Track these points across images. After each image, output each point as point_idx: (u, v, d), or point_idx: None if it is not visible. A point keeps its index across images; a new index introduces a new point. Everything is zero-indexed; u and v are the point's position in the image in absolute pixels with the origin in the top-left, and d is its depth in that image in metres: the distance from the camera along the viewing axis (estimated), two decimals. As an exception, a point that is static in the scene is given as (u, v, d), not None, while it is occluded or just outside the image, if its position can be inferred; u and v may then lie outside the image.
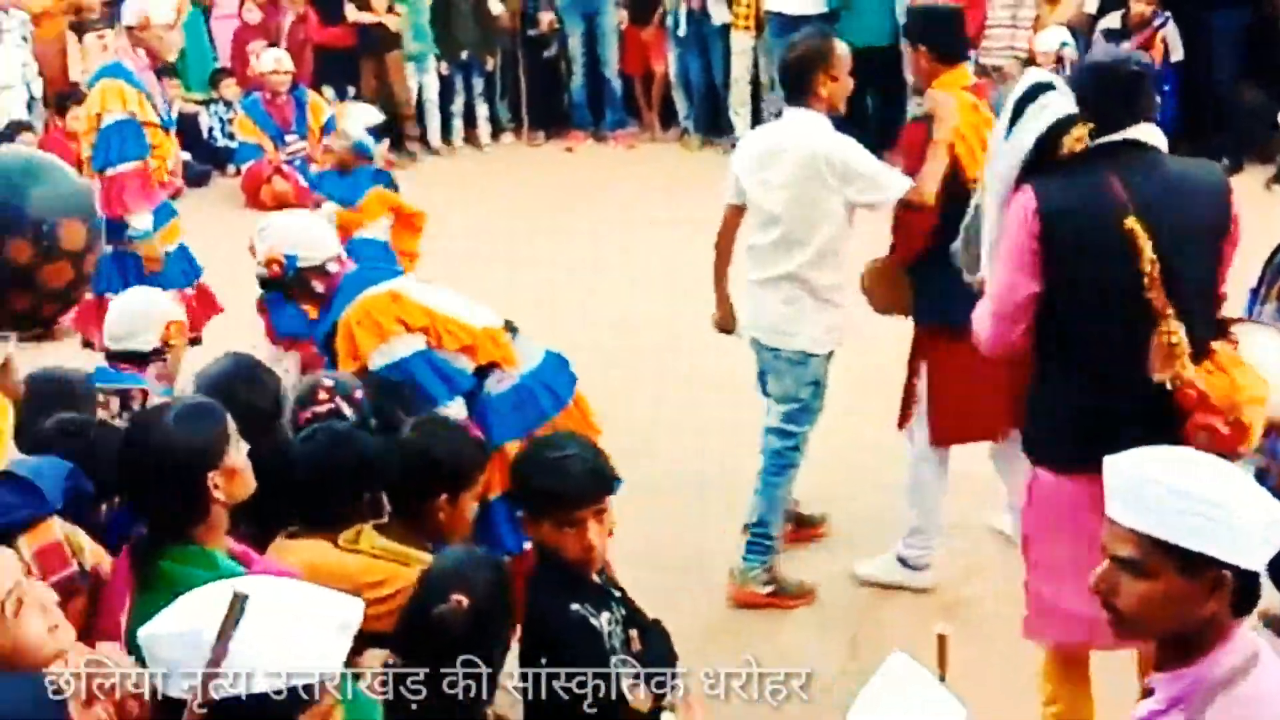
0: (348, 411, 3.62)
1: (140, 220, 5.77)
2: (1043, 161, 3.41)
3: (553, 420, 4.10)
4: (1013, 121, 3.46)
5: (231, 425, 2.77)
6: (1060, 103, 3.41)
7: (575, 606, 2.97)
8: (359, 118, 7.00)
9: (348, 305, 4.10)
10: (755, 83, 10.39)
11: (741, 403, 5.35)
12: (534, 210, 9.52)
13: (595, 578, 3.13)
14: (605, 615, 3.03)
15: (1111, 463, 2.27)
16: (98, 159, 5.77)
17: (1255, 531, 2.17)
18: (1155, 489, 2.19)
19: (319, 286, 4.22)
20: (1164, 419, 3.33)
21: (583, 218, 9.27)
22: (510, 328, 4.27)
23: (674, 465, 5.69)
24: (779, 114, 5.00)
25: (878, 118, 9.68)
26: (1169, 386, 3.35)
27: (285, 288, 4.34)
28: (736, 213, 4.79)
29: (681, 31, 10.41)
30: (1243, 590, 2.20)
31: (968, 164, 4.47)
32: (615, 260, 8.34)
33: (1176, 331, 3.37)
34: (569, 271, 8.20)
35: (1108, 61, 3.63)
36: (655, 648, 3.10)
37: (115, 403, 3.85)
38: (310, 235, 4.31)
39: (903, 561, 4.89)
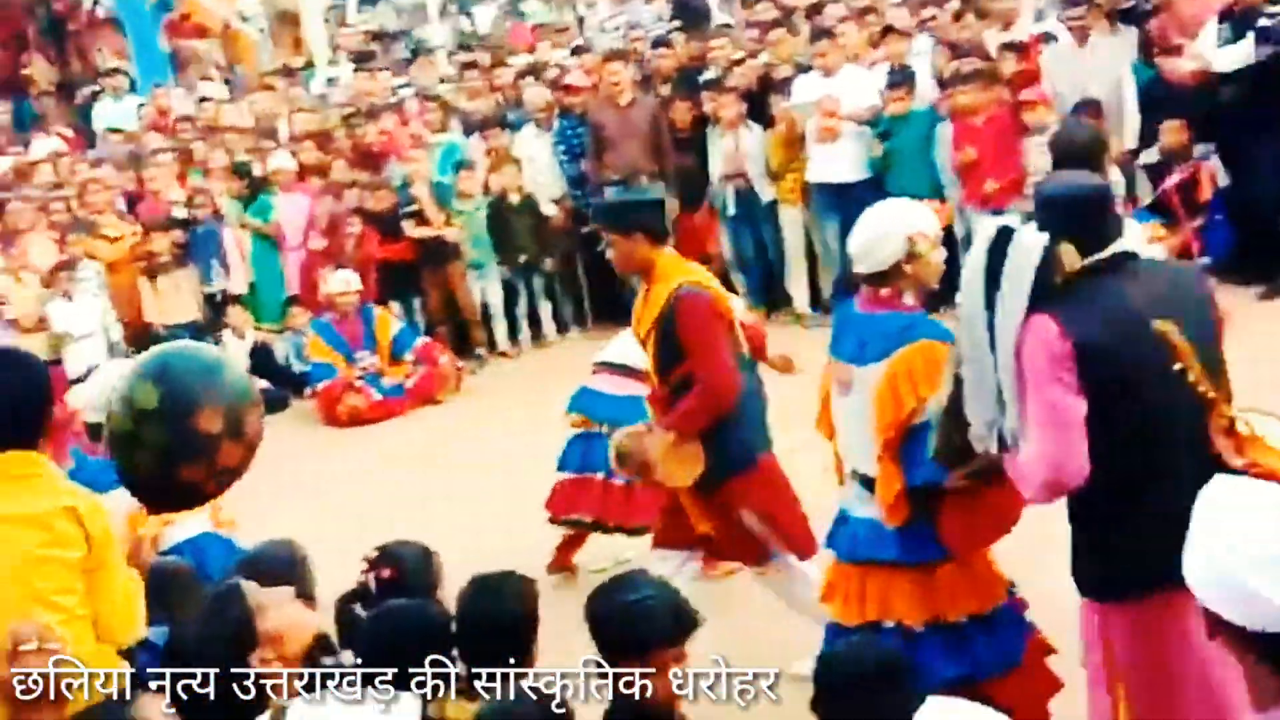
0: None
1: None
2: (1040, 294, 3.45)
3: None
4: (991, 272, 3.48)
5: None
6: (1032, 235, 3.47)
7: None
8: None
9: None
10: (810, 254, 10.55)
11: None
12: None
13: None
14: None
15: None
16: None
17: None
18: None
19: None
20: None
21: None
22: None
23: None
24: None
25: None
26: (1239, 467, 3.35)
27: None
28: None
29: (731, 212, 10.63)
30: None
31: None
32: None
33: (1233, 416, 3.40)
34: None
35: (1078, 188, 3.63)
36: None
37: None
38: None
39: None
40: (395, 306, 10.85)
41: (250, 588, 3.04)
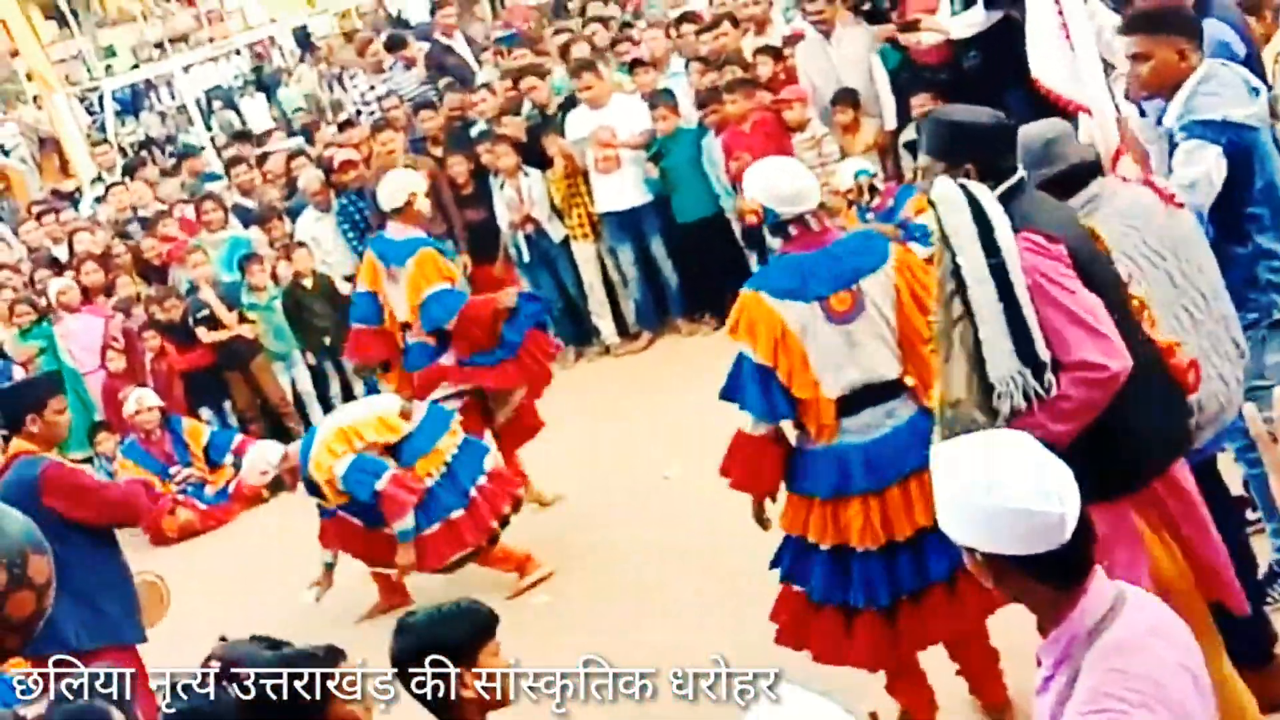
0: None
1: None
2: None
3: None
4: (982, 230, 3.57)
5: None
6: (986, 192, 3.64)
7: None
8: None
9: None
10: (608, 284, 10.65)
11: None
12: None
13: None
14: None
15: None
16: None
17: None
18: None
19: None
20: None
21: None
22: None
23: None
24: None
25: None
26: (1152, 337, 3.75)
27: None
28: None
29: (526, 259, 10.68)
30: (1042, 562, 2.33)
31: None
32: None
33: (1139, 295, 3.78)
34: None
35: (989, 122, 4.00)
36: None
37: None
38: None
39: None
40: (206, 413, 10.65)
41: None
